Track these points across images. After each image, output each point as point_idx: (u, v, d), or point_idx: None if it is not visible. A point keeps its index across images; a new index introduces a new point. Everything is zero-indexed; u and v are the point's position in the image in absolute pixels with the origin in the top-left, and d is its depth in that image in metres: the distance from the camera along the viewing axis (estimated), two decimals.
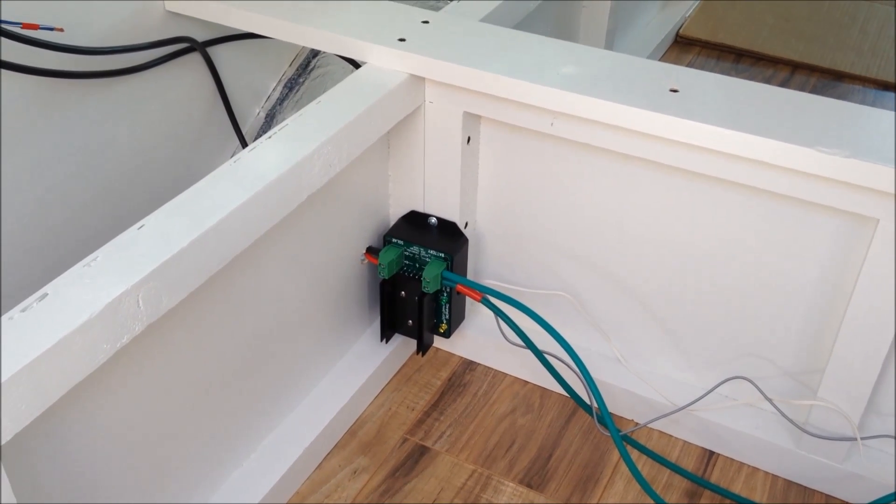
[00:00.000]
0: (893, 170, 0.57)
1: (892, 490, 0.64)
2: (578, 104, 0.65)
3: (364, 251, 0.76)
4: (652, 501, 0.68)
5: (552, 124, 0.68)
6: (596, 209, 0.73)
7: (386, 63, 0.70)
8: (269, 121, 1.00)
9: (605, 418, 0.67)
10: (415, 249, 0.75)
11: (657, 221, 0.71)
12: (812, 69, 1.34)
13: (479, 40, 0.72)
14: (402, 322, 0.78)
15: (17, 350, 0.44)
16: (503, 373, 0.82)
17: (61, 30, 0.73)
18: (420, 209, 0.78)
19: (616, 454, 0.74)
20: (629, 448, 0.71)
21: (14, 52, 0.72)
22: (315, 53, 1.03)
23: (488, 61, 0.68)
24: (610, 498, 0.71)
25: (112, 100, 0.83)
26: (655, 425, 0.76)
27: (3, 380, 0.42)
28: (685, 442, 0.76)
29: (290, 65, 1.03)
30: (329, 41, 0.73)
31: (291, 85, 1.02)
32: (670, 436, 0.76)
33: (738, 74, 1.30)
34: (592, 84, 0.65)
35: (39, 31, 0.71)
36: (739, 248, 0.68)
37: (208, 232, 0.53)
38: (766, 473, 0.73)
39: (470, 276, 0.80)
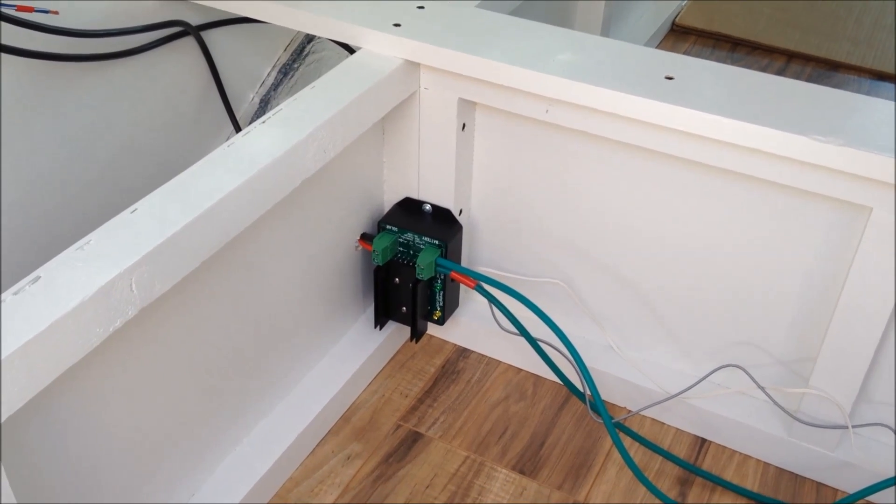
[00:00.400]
0: (887, 158, 0.57)
1: (883, 478, 0.64)
2: (574, 91, 0.64)
3: (358, 237, 0.76)
4: (644, 488, 0.69)
5: (547, 111, 0.68)
6: (591, 197, 0.73)
7: (381, 48, 0.70)
8: (264, 106, 1.00)
9: (597, 405, 0.67)
10: (409, 236, 0.75)
11: (651, 209, 0.71)
12: (808, 59, 1.34)
13: (475, 26, 0.71)
14: (395, 309, 0.78)
15: (10, 333, 0.44)
16: (497, 360, 0.82)
17: (56, 12, 0.73)
18: (414, 196, 0.78)
19: (609, 441, 0.74)
20: (622, 435, 0.71)
21: (7, 35, 0.71)
22: (310, 39, 1.03)
23: (484, 47, 0.68)
24: (602, 484, 0.71)
25: (105, 83, 0.82)
26: (648, 413, 0.77)
27: None
28: (677, 429, 0.76)
29: (285, 50, 1.03)
30: (324, 26, 0.73)
31: (286, 70, 1.02)
32: (663, 423, 0.76)
33: (734, 64, 1.29)
34: (588, 71, 0.65)
35: (34, 13, 0.71)
36: (733, 237, 0.68)
37: (201, 216, 0.53)
38: (758, 461, 0.73)
39: (464, 263, 0.80)
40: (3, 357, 0.43)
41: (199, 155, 0.58)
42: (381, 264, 0.75)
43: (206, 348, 0.62)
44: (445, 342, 0.84)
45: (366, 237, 0.76)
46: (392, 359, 0.82)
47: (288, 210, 0.65)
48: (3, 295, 0.46)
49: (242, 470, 0.67)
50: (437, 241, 0.74)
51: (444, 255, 0.74)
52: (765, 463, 0.73)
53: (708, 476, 0.71)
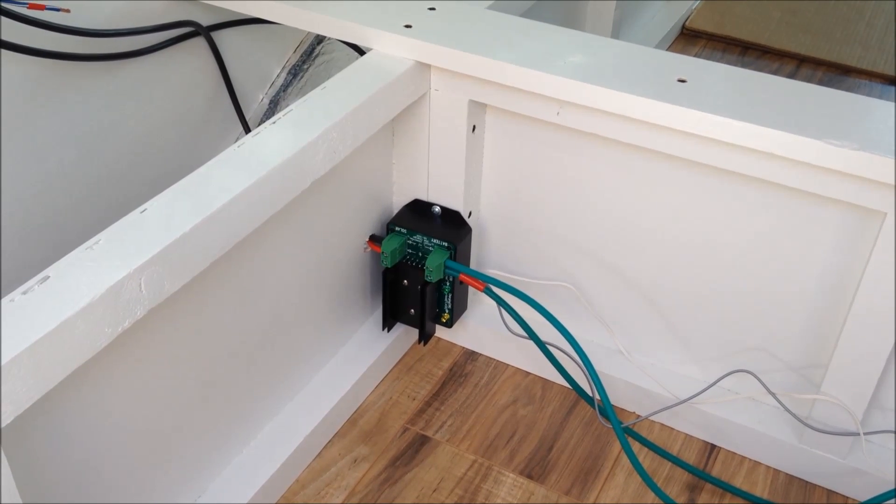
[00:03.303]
0: None
1: (894, 486, 0.64)
2: (585, 93, 0.64)
3: (367, 239, 0.76)
4: (653, 494, 0.68)
5: (558, 113, 0.68)
6: (601, 200, 0.73)
7: (391, 50, 0.70)
8: (273, 107, 1.00)
9: (606, 410, 0.66)
10: (418, 238, 0.75)
11: (662, 213, 0.70)
12: (818, 63, 1.34)
13: (486, 28, 0.71)
14: (404, 311, 0.78)
15: (18, 332, 0.44)
16: (505, 363, 0.82)
17: (67, 10, 0.73)
18: (424, 198, 0.77)
19: (617, 446, 0.74)
20: (631, 440, 0.71)
21: (17, 33, 0.71)
22: (319, 40, 1.03)
23: (495, 49, 0.67)
24: (611, 490, 0.71)
25: (115, 83, 0.82)
26: (657, 418, 0.76)
27: (3, 362, 0.42)
28: (687, 435, 0.75)
29: (295, 51, 1.03)
30: (334, 27, 0.73)
31: (296, 71, 1.02)
32: (672, 429, 0.76)
33: (744, 67, 1.29)
34: (599, 73, 0.65)
35: (45, 11, 0.71)
36: (744, 241, 0.68)
37: (211, 217, 0.53)
38: (768, 467, 0.73)
39: (473, 265, 0.80)
40: (11, 357, 0.43)
41: (209, 155, 0.58)
42: (389, 266, 0.74)
43: (214, 349, 0.62)
44: (453, 345, 0.84)
45: (375, 239, 0.76)
46: (400, 361, 0.82)
47: (297, 211, 0.65)
48: (12, 294, 0.46)
49: (249, 471, 0.67)
50: (446, 244, 0.74)
51: (453, 258, 0.74)
52: (775, 469, 0.73)
53: (717, 482, 0.71)
